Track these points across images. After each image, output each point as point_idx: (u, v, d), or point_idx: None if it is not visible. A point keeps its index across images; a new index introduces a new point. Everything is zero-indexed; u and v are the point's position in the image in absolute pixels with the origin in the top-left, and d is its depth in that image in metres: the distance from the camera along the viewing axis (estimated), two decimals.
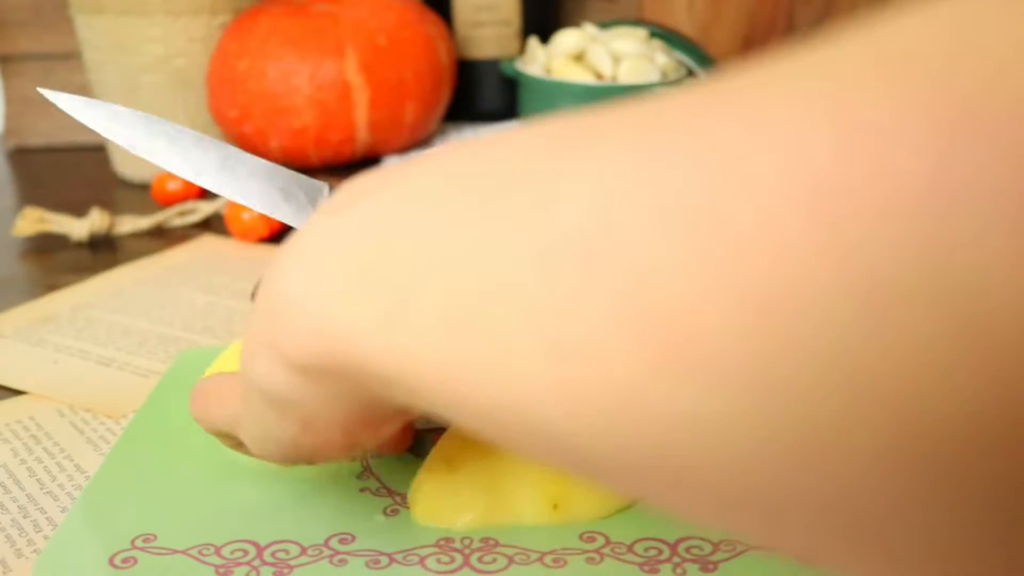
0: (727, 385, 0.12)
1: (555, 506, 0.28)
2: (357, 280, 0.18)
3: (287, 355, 0.20)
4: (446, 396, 0.16)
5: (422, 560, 0.26)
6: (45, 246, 0.56)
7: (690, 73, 0.65)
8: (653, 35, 0.66)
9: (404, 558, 0.26)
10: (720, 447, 0.12)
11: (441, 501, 0.28)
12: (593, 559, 0.26)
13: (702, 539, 0.27)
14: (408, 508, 0.29)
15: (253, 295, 0.24)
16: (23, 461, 0.33)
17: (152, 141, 0.34)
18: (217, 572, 0.26)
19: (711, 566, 0.26)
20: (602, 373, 0.13)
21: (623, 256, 0.13)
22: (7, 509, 0.31)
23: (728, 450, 0.12)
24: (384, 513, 0.29)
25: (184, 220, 0.59)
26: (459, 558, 0.26)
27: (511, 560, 0.26)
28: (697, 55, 0.66)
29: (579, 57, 0.60)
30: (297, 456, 0.23)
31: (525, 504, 0.28)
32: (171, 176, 0.63)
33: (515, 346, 0.14)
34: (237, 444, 0.27)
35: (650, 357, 0.12)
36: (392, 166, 0.19)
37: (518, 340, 0.14)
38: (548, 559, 0.26)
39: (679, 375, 0.12)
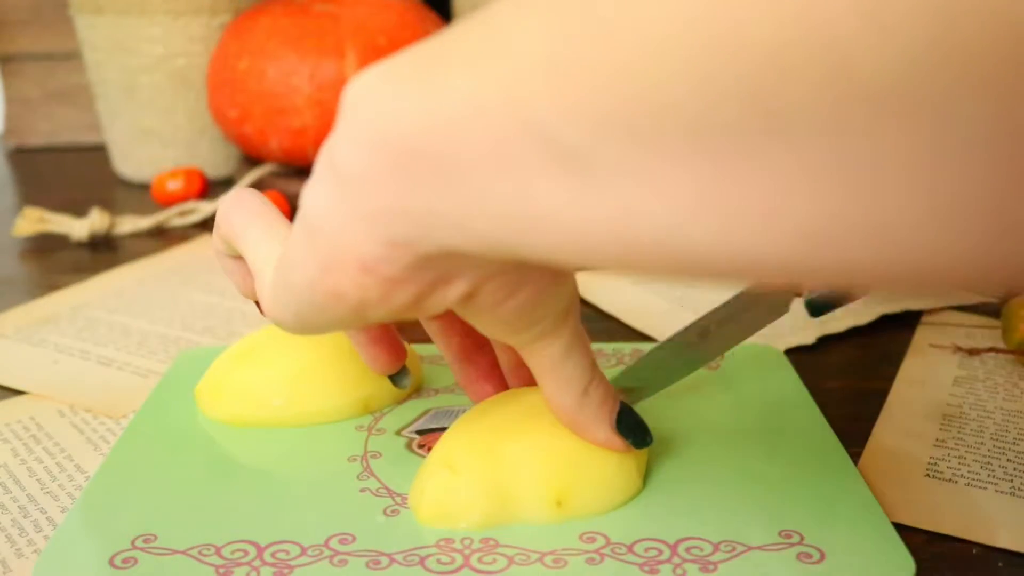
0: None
1: (559, 503, 0.28)
2: (406, 66, 0.19)
3: (337, 161, 0.20)
4: (471, 135, 0.17)
5: (422, 560, 0.26)
6: (45, 246, 0.56)
7: None
8: None
9: (404, 558, 0.26)
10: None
11: (444, 503, 0.28)
12: (593, 560, 0.26)
13: (702, 539, 0.27)
14: (409, 509, 0.29)
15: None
16: (23, 461, 0.34)
17: None
18: (217, 572, 0.26)
19: (711, 567, 0.26)
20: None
21: None
22: (7, 509, 0.31)
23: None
24: (384, 513, 0.29)
25: (184, 220, 0.59)
26: (459, 558, 0.26)
27: (511, 561, 0.26)
28: None
29: None
30: (308, 307, 0.23)
31: (529, 502, 0.28)
32: (171, 176, 0.63)
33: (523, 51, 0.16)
34: (241, 276, 0.28)
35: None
36: None
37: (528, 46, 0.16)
38: (548, 559, 0.26)
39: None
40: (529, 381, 0.30)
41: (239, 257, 0.28)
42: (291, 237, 0.23)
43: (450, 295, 0.23)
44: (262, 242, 0.26)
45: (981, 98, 0.12)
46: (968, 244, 0.13)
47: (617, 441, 0.28)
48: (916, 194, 0.13)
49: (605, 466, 0.28)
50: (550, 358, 0.26)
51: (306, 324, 0.24)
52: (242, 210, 0.27)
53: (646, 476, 0.30)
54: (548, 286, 0.24)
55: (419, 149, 0.18)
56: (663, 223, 0.15)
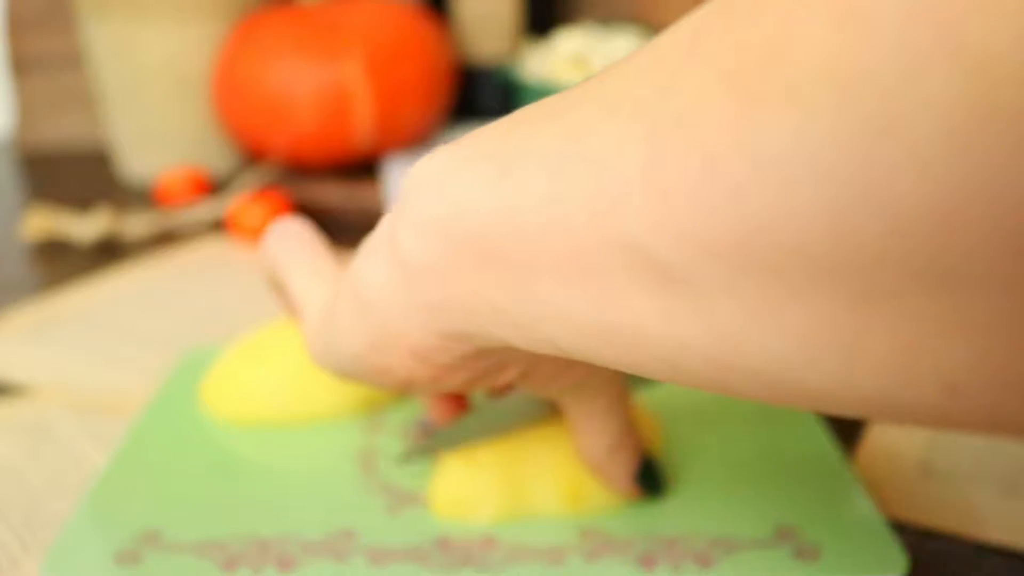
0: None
1: (574, 498, 0.28)
2: (479, 153, 0.18)
3: (399, 247, 0.19)
4: (548, 240, 0.16)
5: (424, 557, 0.27)
6: (52, 247, 0.57)
7: None
8: (651, 36, 0.67)
9: (406, 555, 0.27)
10: None
11: (462, 495, 0.28)
12: (591, 556, 0.27)
13: (698, 536, 0.27)
14: (420, 504, 0.29)
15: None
16: (31, 460, 0.34)
17: None
18: (222, 568, 0.26)
19: (707, 562, 0.26)
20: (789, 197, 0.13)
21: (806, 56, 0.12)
22: (15, 506, 0.31)
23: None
24: (387, 510, 0.29)
25: (189, 222, 0.60)
26: (460, 555, 0.27)
27: (511, 557, 0.27)
28: None
29: (578, 60, 0.61)
30: (352, 371, 0.23)
31: (545, 495, 0.28)
32: (175, 177, 0.63)
33: (609, 145, 0.15)
34: (286, 304, 0.28)
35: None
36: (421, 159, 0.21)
37: (616, 139, 0.15)
38: (547, 556, 0.27)
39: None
40: None
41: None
42: (341, 301, 0.22)
43: (501, 379, 0.23)
44: (308, 278, 0.26)
45: None
46: None
47: (635, 491, 0.29)
48: None
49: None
50: (590, 411, 0.27)
51: (347, 378, 0.24)
52: (289, 241, 0.27)
53: None
54: (598, 368, 0.25)
55: (490, 247, 0.17)
56: (773, 356, 0.14)
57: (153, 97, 0.66)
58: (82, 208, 0.62)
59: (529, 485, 0.29)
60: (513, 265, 0.17)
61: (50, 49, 0.77)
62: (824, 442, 0.32)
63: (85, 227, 0.56)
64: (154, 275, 0.52)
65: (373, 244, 0.21)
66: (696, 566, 0.26)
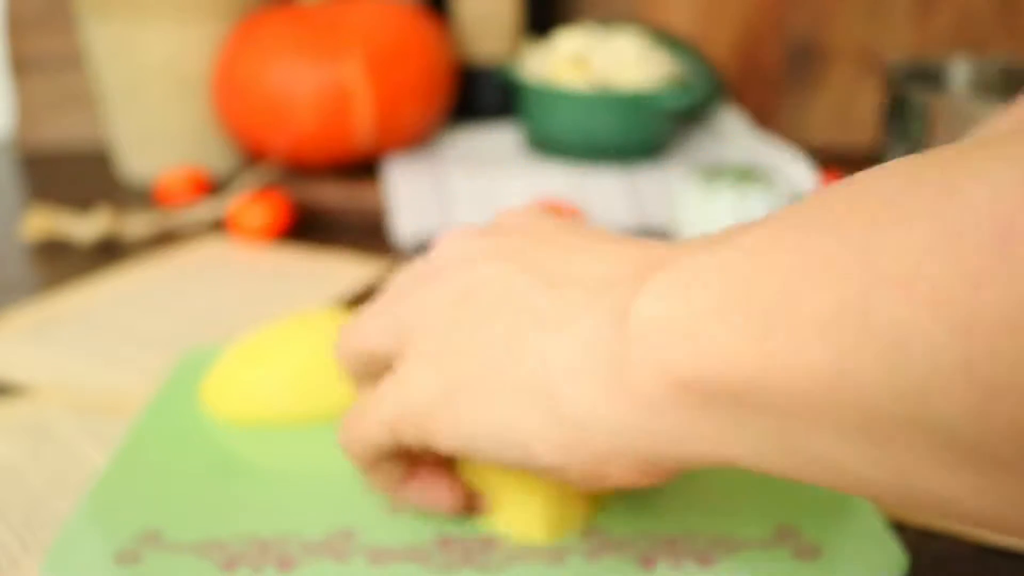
0: None
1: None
2: (732, 300, 0.18)
3: (632, 384, 0.20)
4: (824, 403, 0.16)
5: (424, 557, 0.27)
6: (52, 247, 0.57)
7: (685, 77, 0.65)
8: (651, 36, 0.67)
9: (406, 555, 0.27)
10: None
11: (555, 516, 0.28)
12: (591, 555, 0.27)
13: (698, 536, 0.27)
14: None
15: None
16: (31, 459, 0.34)
17: None
18: (222, 568, 0.26)
19: (708, 562, 0.26)
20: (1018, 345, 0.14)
21: None
22: (15, 506, 0.31)
23: None
24: (386, 510, 0.29)
25: (189, 222, 0.60)
26: (460, 555, 0.27)
27: (511, 556, 0.27)
28: (694, 57, 0.66)
29: (578, 60, 0.61)
30: (506, 461, 0.23)
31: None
32: (175, 177, 0.63)
33: (913, 332, 0.15)
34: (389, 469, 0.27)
35: None
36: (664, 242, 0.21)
37: (917, 325, 0.15)
38: (547, 556, 0.27)
39: None
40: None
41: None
42: (512, 410, 0.22)
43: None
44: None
45: None
46: None
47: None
48: None
49: None
50: None
51: (479, 454, 0.24)
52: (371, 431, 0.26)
53: None
54: None
55: (753, 401, 0.18)
56: (948, 498, 0.16)
57: (153, 97, 0.66)
58: (82, 208, 0.62)
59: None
60: (780, 418, 0.17)
61: (50, 49, 0.77)
62: None
63: (85, 227, 0.56)
64: (154, 275, 0.52)
65: (586, 369, 0.21)
66: (697, 566, 0.26)
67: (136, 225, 0.58)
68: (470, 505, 0.28)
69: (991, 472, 0.15)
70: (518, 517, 0.27)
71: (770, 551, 0.27)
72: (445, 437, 0.24)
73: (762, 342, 0.17)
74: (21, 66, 0.77)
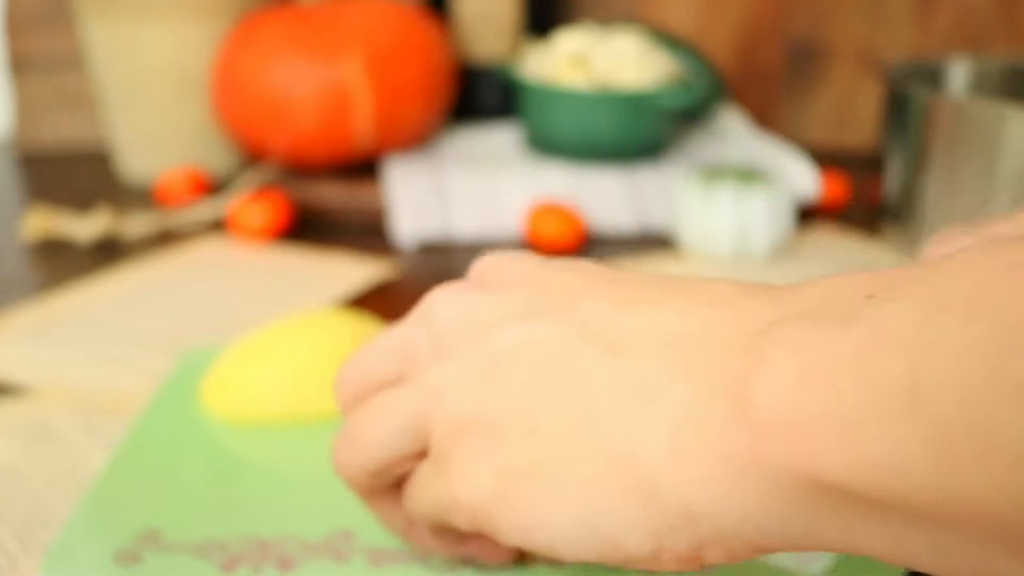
0: None
1: None
2: (896, 403, 0.16)
3: (758, 478, 0.18)
4: (1011, 531, 0.15)
5: (423, 558, 0.27)
6: (52, 246, 0.57)
7: (685, 76, 0.65)
8: (651, 36, 0.67)
9: (406, 555, 0.27)
10: None
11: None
12: None
13: None
14: None
15: None
16: (31, 459, 0.34)
17: None
18: (221, 568, 0.26)
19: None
20: None
21: None
22: (15, 506, 0.31)
23: None
24: None
25: (189, 222, 0.60)
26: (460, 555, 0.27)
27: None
28: (694, 57, 0.66)
29: (578, 60, 0.61)
30: (557, 550, 0.21)
31: None
32: (175, 177, 0.63)
33: None
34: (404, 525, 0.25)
35: None
36: (866, 274, 0.18)
37: None
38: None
39: None
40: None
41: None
42: (604, 489, 0.20)
43: None
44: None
45: None
46: None
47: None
48: None
49: None
50: None
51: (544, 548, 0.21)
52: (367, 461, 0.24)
53: None
54: None
55: (859, 494, 0.16)
56: None
57: (153, 97, 0.66)
58: (82, 208, 0.62)
59: None
60: (950, 533, 0.16)
61: (50, 49, 0.77)
62: None
63: (85, 227, 0.56)
64: (154, 275, 0.52)
65: (684, 447, 0.18)
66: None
67: (136, 225, 0.58)
68: (520, 556, 0.26)
69: None
70: None
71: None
72: (504, 534, 0.21)
73: (942, 461, 0.15)
74: (21, 66, 0.77)
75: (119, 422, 0.37)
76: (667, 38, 0.67)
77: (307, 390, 0.34)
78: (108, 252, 0.56)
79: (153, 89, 0.66)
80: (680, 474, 0.18)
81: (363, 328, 0.36)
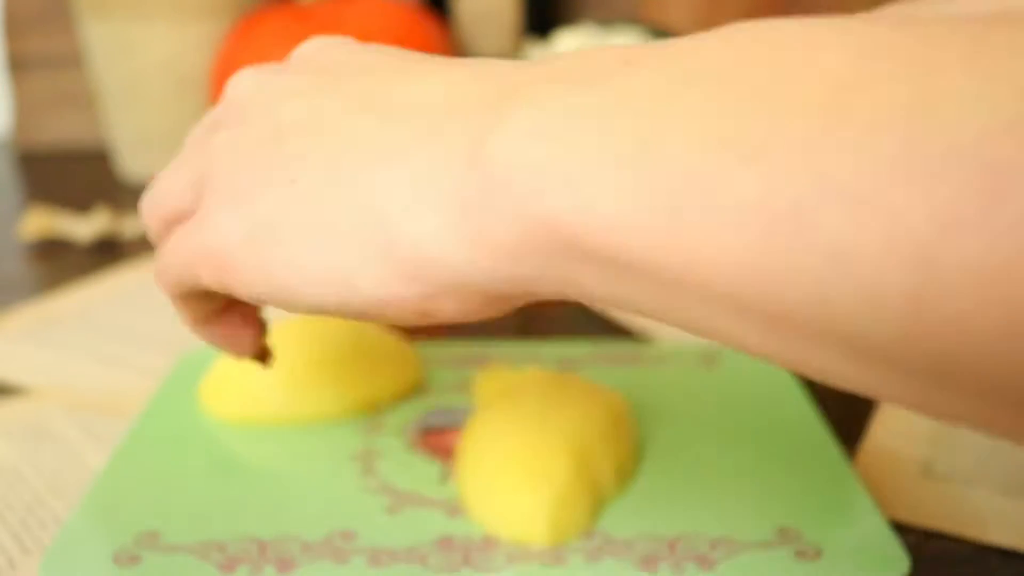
0: None
1: (622, 473, 0.30)
2: (626, 155, 0.16)
3: (486, 228, 0.18)
4: (727, 291, 0.15)
5: (423, 558, 0.27)
6: (51, 247, 0.57)
7: None
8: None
9: (405, 556, 0.27)
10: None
11: (560, 518, 0.27)
12: (592, 556, 0.27)
13: (699, 537, 0.27)
14: (420, 504, 0.29)
15: None
16: (30, 459, 0.34)
17: None
18: (221, 569, 0.26)
19: (709, 563, 0.26)
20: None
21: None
22: (14, 507, 0.31)
23: None
24: (386, 511, 0.29)
25: None
26: (459, 556, 0.27)
27: (511, 558, 0.27)
28: None
29: None
30: (315, 304, 0.21)
31: (605, 481, 0.29)
32: None
33: (858, 255, 0.14)
34: (197, 303, 0.26)
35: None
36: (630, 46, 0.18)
37: (863, 250, 0.14)
38: (548, 557, 0.27)
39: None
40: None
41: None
42: (343, 241, 0.20)
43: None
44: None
45: None
46: None
47: None
48: None
49: (620, 417, 0.31)
50: None
51: (286, 298, 0.22)
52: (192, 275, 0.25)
53: (644, 473, 0.31)
54: None
55: (587, 244, 0.17)
56: (813, 367, 0.16)
57: (153, 97, 0.66)
58: (82, 208, 0.62)
59: (596, 477, 0.29)
60: (670, 288, 0.16)
61: (49, 49, 0.77)
62: (825, 443, 0.32)
63: (85, 227, 0.56)
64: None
65: (435, 207, 0.19)
66: (697, 567, 0.26)
67: (136, 225, 0.58)
68: (263, 356, 0.28)
69: (906, 377, 0.15)
70: (520, 520, 0.27)
71: (771, 552, 0.27)
72: (246, 281, 0.21)
73: (665, 217, 0.16)
74: (20, 65, 0.76)
75: (119, 422, 0.37)
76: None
77: (307, 391, 0.34)
78: (108, 252, 0.56)
79: (152, 89, 0.66)
80: (416, 224, 0.19)
81: (362, 329, 0.36)
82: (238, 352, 0.28)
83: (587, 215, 0.16)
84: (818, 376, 0.16)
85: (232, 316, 0.27)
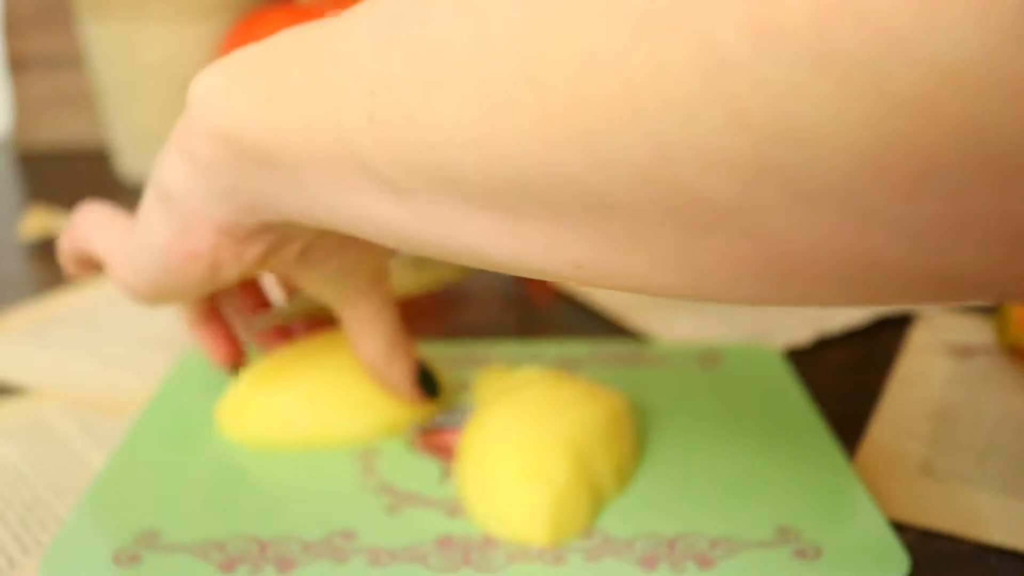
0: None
1: (621, 473, 0.30)
2: (250, 74, 0.22)
3: (191, 148, 0.23)
4: (307, 152, 0.20)
5: (423, 558, 0.27)
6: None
7: None
8: None
9: (406, 555, 0.27)
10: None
11: (560, 517, 0.27)
12: (591, 556, 0.27)
13: (699, 536, 0.27)
14: (420, 504, 0.29)
15: None
16: (29, 459, 0.34)
17: None
18: (221, 568, 0.26)
19: (708, 563, 0.26)
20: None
21: None
22: (14, 507, 0.31)
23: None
24: (386, 511, 0.29)
25: None
26: (459, 556, 0.27)
27: (511, 557, 0.27)
28: None
29: None
30: (162, 279, 0.27)
31: (605, 480, 0.30)
32: None
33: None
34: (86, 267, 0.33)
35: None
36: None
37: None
38: (548, 557, 0.27)
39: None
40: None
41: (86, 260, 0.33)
42: (146, 203, 0.26)
43: (289, 253, 0.27)
44: (110, 235, 0.30)
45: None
46: None
47: (417, 392, 0.33)
48: None
49: (620, 417, 0.31)
50: (361, 317, 0.31)
51: (160, 289, 0.28)
52: (90, 218, 0.32)
53: (643, 473, 0.31)
54: (363, 252, 0.29)
55: (260, 150, 0.21)
56: (470, 244, 0.19)
57: (152, 97, 0.66)
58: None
59: (594, 475, 0.29)
60: (280, 164, 0.21)
61: (49, 49, 0.77)
62: (824, 442, 0.32)
63: None
64: None
65: (170, 151, 0.24)
66: (697, 567, 0.26)
67: None
68: (236, 364, 0.35)
69: (402, 197, 0.19)
70: (520, 520, 0.27)
71: (771, 551, 0.27)
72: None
73: (266, 107, 0.21)
74: (19, 65, 0.76)
75: (119, 422, 0.37)
76: None
77: (329, 415, 0.33)
78: None
79: (152, 89, 0.66)
80: (167, 169, 0.25)
81: None
82: (216, 356, 0.35)
83: (231, 119, 0.21)
84: (461, 254, 0.20)
85: (213, 322, 0.35)
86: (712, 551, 0.27)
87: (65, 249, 0.33)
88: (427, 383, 0.33)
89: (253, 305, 0.36)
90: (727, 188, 0.14)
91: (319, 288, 0.30)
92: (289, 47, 0.21)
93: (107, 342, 0.44)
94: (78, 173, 0.73)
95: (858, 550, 0.27)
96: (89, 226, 0.31)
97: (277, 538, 0.28)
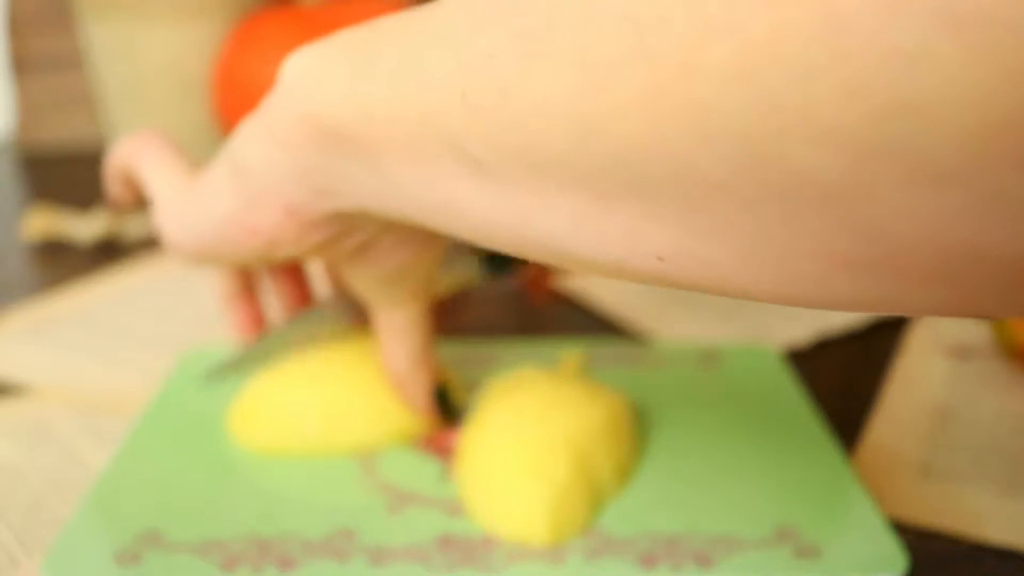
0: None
1: (622, 471, 0.30)
2: (345, 56, 0.22)
3: (275, 126, 0.23)
4: (391, 134, 0.20)
5: (424, 557, 0.27)
6: (52, 247, 0.57)
7: None
8: None
9: (406, 555, 0.27)
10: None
11: (559, 518, 0.27)
12: (591, 555, 0.27)
13: (698, 535, 0.27)
14: (420, 503, 0.29)
15: None
16: (31, 459, 0.34)
17: None
18: (222, 568, 0.26)
19: (708, 562, 0.26)
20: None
21: None
22: (15, 506, 0.31)
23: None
24: (387, 510, 0.29)
25: None
26: (460, 555, 0.27)
27: (511, 557, 0.27)
28: None
29: None
30: (213, 246, 0.27)
31: (604, 479, 0.30)
32: None
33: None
34: (130, 206, 0.34)
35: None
36: None
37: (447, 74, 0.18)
38: (547, 556, 0.27)
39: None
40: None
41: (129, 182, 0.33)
42: (216, 171, 0.26)
43: (349, 245, 0.27)
44: (160, 167, 0.30)
45: None
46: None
47: (433, 410, 0.33)
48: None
49: (620, 417, 0.31)
50: (401, 322, 0.31)
51: (206, 254, 0.28)
52: (142, 142, 0.31)
53: (643, 473, 0.31)
54: (418, 256, 0.29)
55: (345, 134, 0.21)
56: (549, 232, 0.18)
57: (153, 97, 0.66)
58: (82, 208, 0.62)
59: (594, 474, 0.29)
60: (364, 149, 0.21)
61: (50, 49, 0.77)
62: (824, 442, 0.32)
63: (85, 227, 0.56)
64: (154, 275, 0.52)
65: (252, 127, 0.24)
66: (696, 566, 0.26)
67: (136, 225, 0.58)
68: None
69: (492, 182, 0.18)
70: (520, 519, 0.27)
71: (770, 551, 0.27)
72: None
73: (353, 88, 0.21)
74: (21, 66, 0.77)
75: (119, 422, 0.37)
76: None
77: (344, 422, 0.32)
78: (108, 252, 0.56)
79: (153, 89, 0.66)
80: (246, 144, 0.25)
81: None
82: (239, 331, 0.35)
83: (322, 101, 0.21)
84: (537, 243, 0.19)
85: (246, 298, 0.36)
86: (711, 550, 0.27)
87: (113, 164, 0.32)
88: (444, 404, 0.33)
89: (292, 290, 0.36)
90: (833, 162, 0.13)
91: (366, 286, 0.30)
92: (386, 31, 0.21)
93: (107, 342, 0.44)
94: (80, 173, 0.73)
95: (857, 549, 0.27)
96: (144, 153, 0.31)
97: (278, 537, 0.28)
